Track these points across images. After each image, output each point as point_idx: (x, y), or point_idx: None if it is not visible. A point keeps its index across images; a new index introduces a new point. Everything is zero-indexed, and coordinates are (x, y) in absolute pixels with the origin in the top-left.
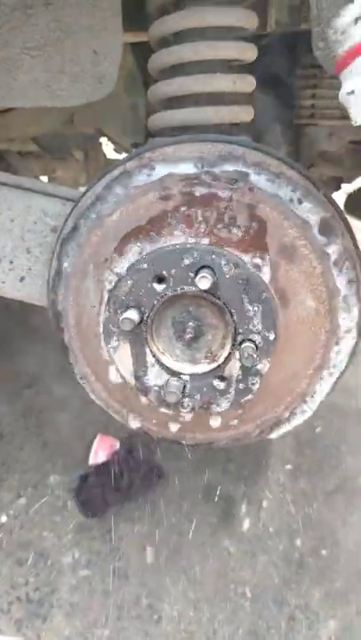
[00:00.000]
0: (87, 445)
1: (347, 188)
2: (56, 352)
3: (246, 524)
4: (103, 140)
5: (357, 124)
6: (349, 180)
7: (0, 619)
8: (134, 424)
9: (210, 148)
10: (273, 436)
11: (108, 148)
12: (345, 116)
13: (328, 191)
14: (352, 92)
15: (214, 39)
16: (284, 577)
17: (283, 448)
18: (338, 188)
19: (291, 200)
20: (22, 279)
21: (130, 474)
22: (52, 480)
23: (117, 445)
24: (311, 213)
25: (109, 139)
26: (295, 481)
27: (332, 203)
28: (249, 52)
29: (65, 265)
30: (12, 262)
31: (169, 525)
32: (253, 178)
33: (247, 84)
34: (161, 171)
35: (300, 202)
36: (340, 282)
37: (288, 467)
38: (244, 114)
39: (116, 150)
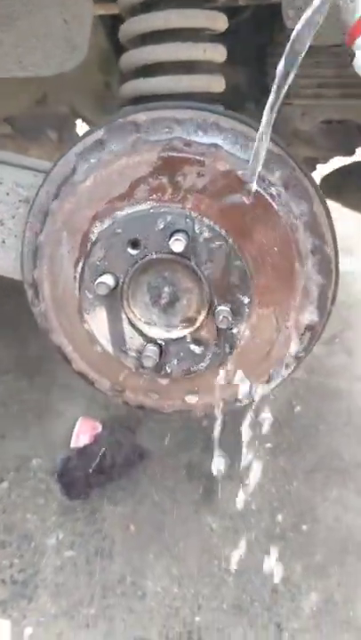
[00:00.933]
0: (69, 428)
1: (322, 170)
2: (36, 341)
3: (228, 502)
4: (78, 121)
5: None
6: (324, 161)
7: None
8: (112, 393)
9: (182, 114)
10: (254, 399)
11: (82, 130)
12: (318, 95)
13: (301, 163)
14: None
15: (184, 7)
16: (266, 552)
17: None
18: (313, 168)
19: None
20: None
21: (112, 455)
22: (34, 463)
23: (99, 428)
24: (282, 180)
25: (84, 119)
26: (275, 459)
27: (303, 170)
28: (219, 22)
29: (38, 234)
30: None
31: (152, 504)
32: (226, 144)
33: (218, 53)
34: (133, 137)
35: (272, 169)
36: (309, 245)
37: (268, 445)
38: (216, 83)
39: None
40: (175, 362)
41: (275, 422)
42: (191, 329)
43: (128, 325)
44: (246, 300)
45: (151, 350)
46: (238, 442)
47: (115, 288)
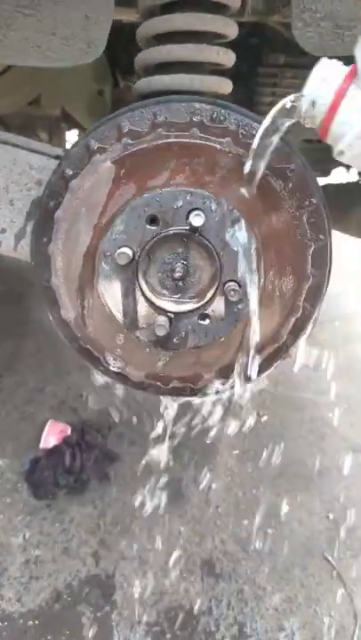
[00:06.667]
0: (37, 430)
1: None
2: (7, 341)
3: (196, 506)
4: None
5: None
6: None
7: None
8: (115, 366)
9: (199, 106)
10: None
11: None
12: None
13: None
14: (341, 152)
15: (203, 12)
16: (233, 554)
17: (230, 435)
18: None
19: None
20: (3, 231)
21: (82, 457)
22: (1, 464)
23: (68, 431)
24: (291, 172)
25: (74, 124)
26: (242, 465)
27: (306, 166)
28: (232, 29)
29: (56, 209)
30: None
31: (120, 507)
32: (237, 135)
33: (229, 57)
34: (156, 120)
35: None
36: (310, 237)
37: (235, 452)
38: (226, 86)
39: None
40: (183, 335)
41: (242, 430)
42: (200, 303)
43: (141, 297)
44: (255, 278)
45: (163, 320)
46: (207, 447)
47: (130, 262)
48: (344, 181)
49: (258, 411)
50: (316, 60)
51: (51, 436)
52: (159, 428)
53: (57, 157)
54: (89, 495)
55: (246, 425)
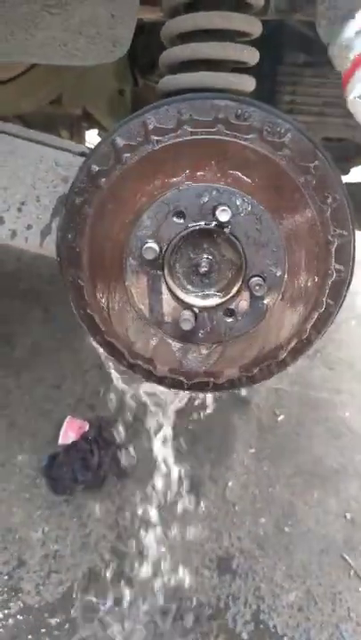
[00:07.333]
0: (55, 427)
1: None
2: (22, 335)
3: (213, 503)
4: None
5: None
6: None
7: None
8: (139, 361)
9: (225, 103)
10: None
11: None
12: (322, 113)
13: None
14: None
15: (227, 10)
16: (249, 552)
17: (247, 433)
18: None
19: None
20: (29, 227)
21: (99, 453)
22: (20, 459)
23: (87, 427)
24: (314, 168)
25: (95, 122)
26: (258, 464)
27: (331, 164)
28: (256, 27)
29: (84, 206)
30: (20, 210)
31: (137, 502)
32: (261, 131)
33: (253, 55)
34: (179, 121)
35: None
36: (334, 233)
37: (252, 450)
38: (248, 83)
39: (99, 135)
40: (208, 329)
41: (258, 429)
42: (225, 298)
43: (167, 292)
44: (279, 273)
45: (188, 314)
46: (224, 446)
47: (157, 256)
48: None
49: (274, 409)
50: None
51: (69, 433)
52: (176, 426)
53: (82, 154)
54: (106, 491)
55: (263, 423)
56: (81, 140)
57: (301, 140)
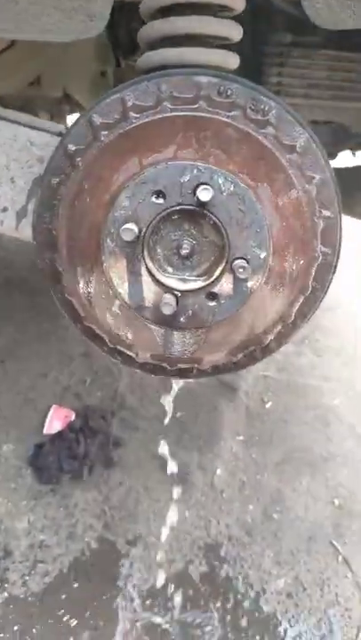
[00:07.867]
0: (41, 416)
1: None
2: (10, 326)
3: (201, 490)
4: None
5: None
6: None
7: None
8: (120, 347)
9: (206, 79)
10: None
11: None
12: (308, 95)
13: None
14: None
15: None
16: (238, 539)
17: (235, 420)
18: None
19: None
20: (4, 210)
21: (86, 442)
22: (5, 449)
23: (72, 416)
24: (300, 147)
25: (76, 105)
26: (246, 451)
27: (315, 141)
28: (239, 2)
29: (60, 186)
30: None
31: (124, 492)
32: (245, 108)
33: (237, 31)
34: (159, 97)
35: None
36: (319, 214)
37: (240, 438)
38: (232, 59)
39: None
40: (190, 314)
41: (246, 416)
42: (208, 282)
43: (147, 275)
44: (263, 255)
45: (169, 298)
46: (212, 433)
47: (136, 238)
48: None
49: (262, 396)
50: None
51: (55, 422)
52: (163, 413)
53: (59, 134)
54: (93, 480)
55: (251, 410)
56: (62, 123)
57: (286, 117)
